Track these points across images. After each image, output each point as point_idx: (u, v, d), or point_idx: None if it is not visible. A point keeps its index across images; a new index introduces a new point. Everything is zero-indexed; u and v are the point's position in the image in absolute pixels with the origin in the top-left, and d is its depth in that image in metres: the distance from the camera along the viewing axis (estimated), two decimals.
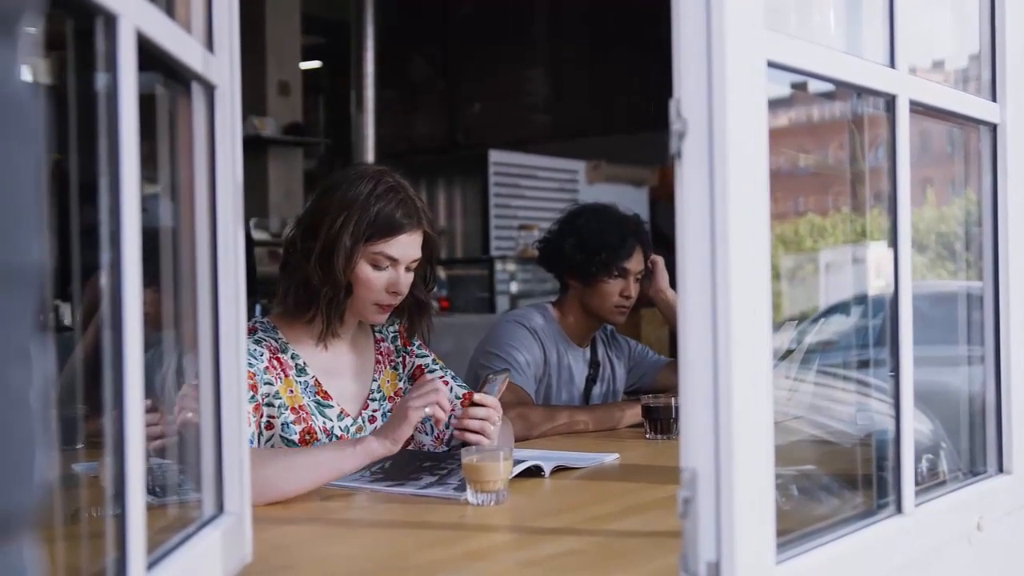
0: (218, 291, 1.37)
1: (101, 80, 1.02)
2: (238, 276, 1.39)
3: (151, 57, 1.12)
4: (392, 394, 2.37)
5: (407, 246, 2.21)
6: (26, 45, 0.60)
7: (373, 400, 2.34)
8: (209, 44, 1.35)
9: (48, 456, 0.61)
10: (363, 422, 2.29)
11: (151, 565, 1.10)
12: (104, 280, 1.03)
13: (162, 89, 1.31)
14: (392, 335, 2.43)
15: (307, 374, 2.23)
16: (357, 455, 1.97)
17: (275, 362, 2.18)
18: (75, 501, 1.35)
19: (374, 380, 2.35)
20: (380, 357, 2.39)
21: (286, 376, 2.19)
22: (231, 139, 1.38)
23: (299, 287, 2.20)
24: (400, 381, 2.40)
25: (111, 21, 1.00)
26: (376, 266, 2.19)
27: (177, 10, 1.28)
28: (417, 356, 2.44)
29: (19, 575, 0.58)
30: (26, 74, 0.60)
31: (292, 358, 2.23)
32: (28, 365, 0.59)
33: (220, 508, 1.37)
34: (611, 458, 2.35)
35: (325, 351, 2.27)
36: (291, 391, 2.19)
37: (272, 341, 2.20)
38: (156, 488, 1.39)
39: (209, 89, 1.35)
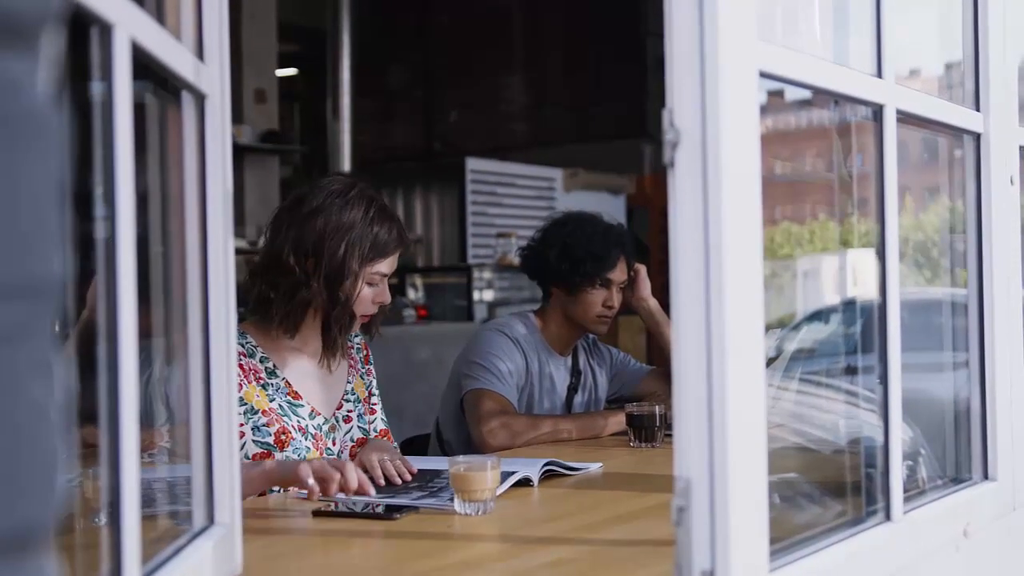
0: (208, 301, 1.36)
1: (95, 89, 1.01)
2: (228, 286, 1.38)
3: (142, 65, 1.12)
4: (363, 399, 2.45)
5: (395, 261, 2.34)
6: (46, 59, 0.60)
7: (348, 401, 2.41)
8: (200, 53, 1.34)
9: (67, 469, 0.61)
10: (337, 421, 2.36)
11: None
12: (98, 289, 1.02)
13: (151, 98, 1.30)
14: (357, 347, 2.51)
15: (278, 376, 2.28)
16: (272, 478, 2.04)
17: (239, 368, 2.20)
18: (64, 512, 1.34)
19: (348, 382, 2.42)
20: (352, 362, 2.46)
21: (250, 382, 2.24)
22: (221, 148, 1.37)
23: (298, 308, 2.25)
24: (365, 389, 2.48)
25: (106, 30, 0.99)
26: (370, 284, 2.29)
27: (168, 18, 1.27)
28: (373, 377, 2.53)
29: None
30: (47, 86, 0.60)
31: (261, 361, 2.28)
32: (50, 378, 0.59)
33: (211, 519, 1.36)
34: (595, 467, 2.35)
35: (297, 355, 2.33)
36: (258, 395, 2.23)
37: (238, 346, 2.22)
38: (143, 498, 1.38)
39: (199, 98, 1.34)
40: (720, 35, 1.15)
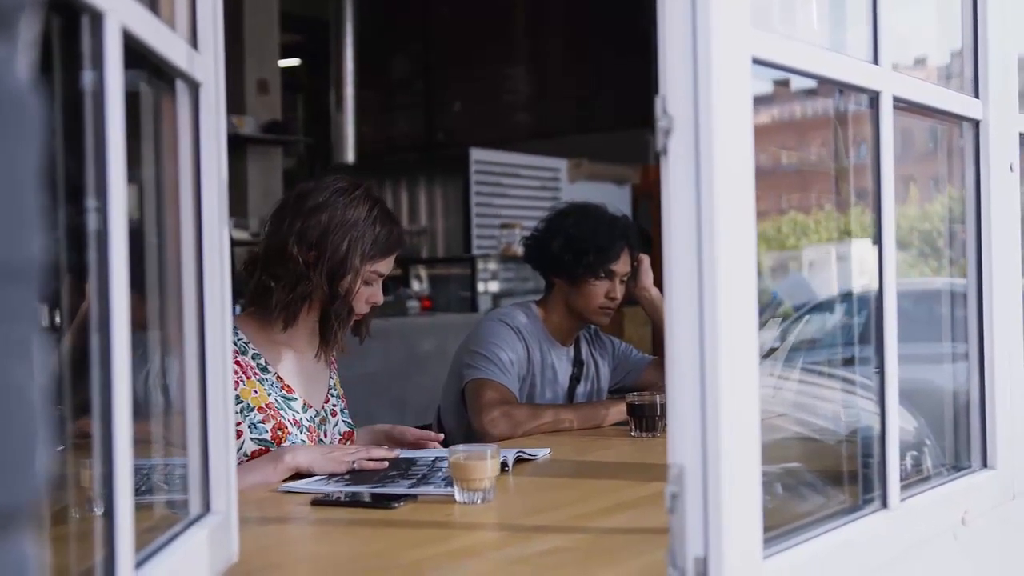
0: (204, 291, 1.36)
1: (86, 78, 1.01)
2: (224, 276, 1.38)
3: (135, 54, 1.12)
4: (341, 395, 2.50)
5: (392, 262, 2.38)
6: (25, 43, 0.60)
7: (332, 395, 2.46)
8: (194, 41, 1.34)
9: (49, 452, 0.61)
10: (326, 414, 2.41)
11: (138, 564, 1.09)
12: (91, 281, 1.02)
13: (146, 87, 1.30)
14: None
15: (269, 372, 2.31)
16: (279, 471, 2.09)
17: (235, 365, 2.21)
18: (58, 501, 1.35)
19: (331, 378, 2.47)
20: (332, 360, 2.50)
21: (248, 378, 2.26)
22: (216, 137, 1.38)
23: (297, 300, 2.27)
24: (341, 387, 2.53)
25: (97, 18, 0.99)
26: (366, 283, 2.33)
27: (161, 7, 1.27)
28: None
29: (21, 569, 0.58)
30: (25, 70, 0.60)
31: (253, 358, 2.30)
32: (30, 361, 0.59)
33: (207, 507, 1.37)
34: (544, 452, 2.37)
35: (287, 350, 2.36)
36: (255, 392, 2.26)
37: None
38: (139, 487, 1.38)
39: (194, 87, 1.34)
40: (712, 21, 1.15)
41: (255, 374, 2.27)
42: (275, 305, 2.27)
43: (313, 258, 2.26)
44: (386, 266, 2.35)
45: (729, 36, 1.18)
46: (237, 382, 2.21)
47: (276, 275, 2.27)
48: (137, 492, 1.11)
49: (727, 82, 1.17)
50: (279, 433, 2.24)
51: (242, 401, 2.22)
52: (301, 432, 2.28)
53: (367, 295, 2.33)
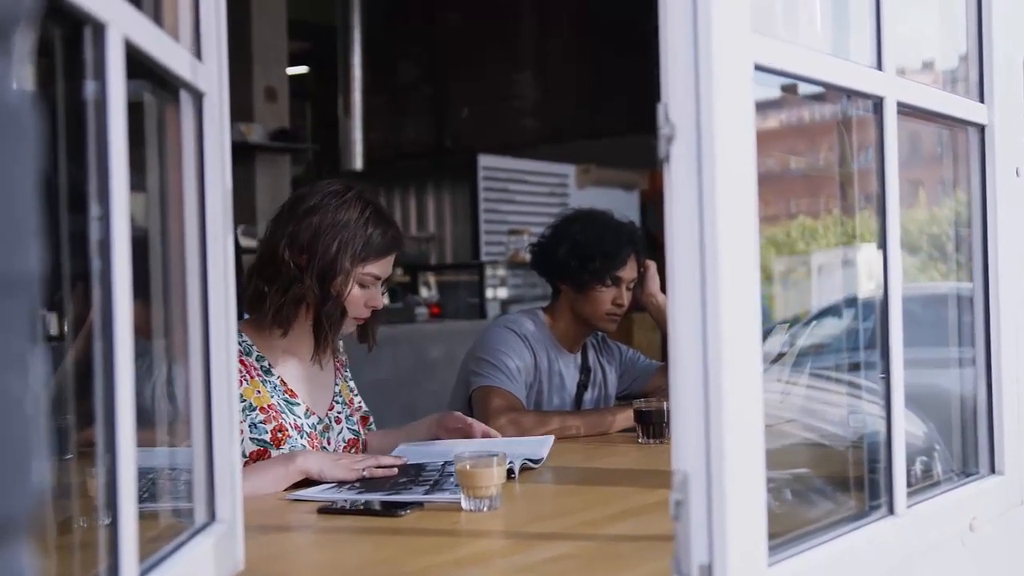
0: (208, 300, 1.36)
1: (89, 88, 1.02)
2: (228, 284, 1.39)
3: (139, 65, 1.12)
4: (347, 401, 2.49)
5: (390, 265, 2.37)
6: (21, 54, 0.60)
7: (337, 402, 2.45)
8: (197, 52, 1.35)
9: (45, 462, 0.61)
10: (330, 421, 2.41)
11: (143, 573, 1.09)
12: (94, 289, 1.02)
13: (150, 97, 1.31)
14: (340, 351, 2.55)
15: (273, 375, 2.31)
16: (289, 475, 2.09)
17: (239, 365, 2.22)
18: (65, 510, 1.35)
19: (336, 384, 2.47)
20: (338, 366, 2.50)
21: (252, 378, 2.27)
22: (220, 147, 1.38)
23: (290, 303, 2.27)
24: (350, 392, 2.52)
25: (99, 29, 0.99)
26: (362, 285, 2.32)
27: (164, 17, 1.28)
28: (351, 380, 2.56)
29: None
30: (21, 82, 0.60)
31: (257, 360, 2.31)
32: (26, 372, 0.59)
33: (212, 516, 1.37)
34: (548, 441, 2.41)
35: (289, 357, 2.36)
36: (258, 392, 2.27)
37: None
38: (144, 495, 1.38)
39: (197, 97, 1.35)
40: (713, 28, 1.15)
41: (258, 375, 2.28)
42: (268, 308, 2.27)
43: (305, 261, 2.26)
44: (381, 268, 2.33)
45: (730, 42, 1.18)
46: (240, 381, 2.22)
47: (269, 279, 2.28)
48: (141, 499, 1.12)
49: (729, 89, 1.17)
50: (279, 435, 2.24)
51: (244, 400, 2.22)
52: (302, 437, 2.28)
53: (365, 298, 2.32)
